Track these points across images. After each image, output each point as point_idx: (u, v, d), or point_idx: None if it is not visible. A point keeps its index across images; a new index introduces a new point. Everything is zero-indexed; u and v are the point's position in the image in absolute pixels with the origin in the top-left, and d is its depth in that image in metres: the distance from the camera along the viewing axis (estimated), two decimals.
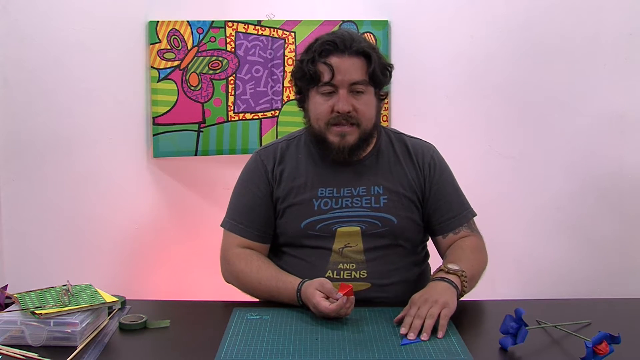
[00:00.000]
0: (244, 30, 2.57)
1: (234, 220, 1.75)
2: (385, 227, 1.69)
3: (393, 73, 1.74)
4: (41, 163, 2.52)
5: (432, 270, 1.83)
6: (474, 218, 1.79)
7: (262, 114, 2.62)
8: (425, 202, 1.75)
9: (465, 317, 1.53)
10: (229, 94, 2.59)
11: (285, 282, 1.62)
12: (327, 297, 1.50)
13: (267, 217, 1.74)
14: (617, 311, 1.63)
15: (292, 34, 2.60)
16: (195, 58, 2.55)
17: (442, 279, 1.54)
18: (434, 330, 1.42)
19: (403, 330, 1.42)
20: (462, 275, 1.56)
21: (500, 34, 2.64)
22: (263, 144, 1.92)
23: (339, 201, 1.70)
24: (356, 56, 1.64)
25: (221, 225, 1.78)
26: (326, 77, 1.64)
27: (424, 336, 1.40)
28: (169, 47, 2.53)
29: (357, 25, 2.60)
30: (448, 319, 1.44)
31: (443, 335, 1.41)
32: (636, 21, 2.63)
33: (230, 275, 1.73)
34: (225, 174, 2.45)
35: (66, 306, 1.41)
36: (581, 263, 2.73)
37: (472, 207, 1.80)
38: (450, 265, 1.58)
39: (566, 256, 2.73)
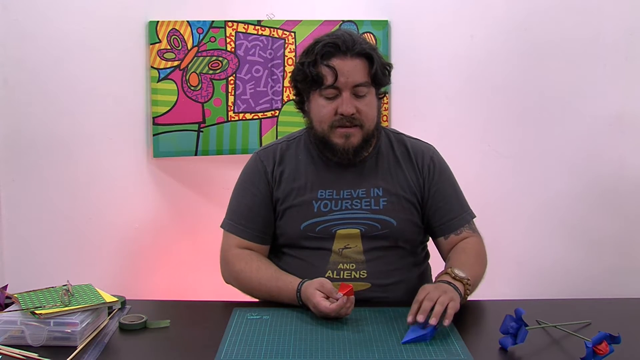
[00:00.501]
0: (244, 30, 2.57)
1: (234, 221, 1.75)
2: (385, 230, 1.69)
3: (393, 73, 1.74)
4: (41, 163, 2.52)
5: (432, 271, 1.83)
6: (474, 220, 1.79)
7: (262, 114, 2.62)
8: (425, 204, 1.75)
9: (465, 317, 1.53)
10: (229, 94, 2.59)
11: (285, 282, 1.62)
12: (327, 297, 1.50)
13: (267, 218, 1.74)
14: (617, 311, 1.63)
15: (292, 34, 2.60)
16: (195, 58, 2.55)
17: (449, 283, 1.53)
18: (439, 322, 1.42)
19: (410, 319, 1.41)
20: (467, 284, 1.55)
21: (500, 34, 2.64)
22: (263, 144, 1.92)
23: (338, 203, 1.70)
24: (358, 58, 1.64)
25: (221, 226, 1.77)
26: (329, 79, 1.63)
27: (433, 320, 1.39)
28: (169, 47, 2.53)
29: (357, 25, 2.60)
30: (455, 311, 1.44)
31: (449, 323, 1.41)
32: (636, 21, 2.63)
33: (230, 276, 1.73)
34: (225, 174, 2.45)
35: (66, 306, 1.41)
36: (581, 263, 2.72)
37: (471, 208, 1.79)
38: (457, 272, 1.56)
39: (566, 256, 2.73)
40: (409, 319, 1.42)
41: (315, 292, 1.51)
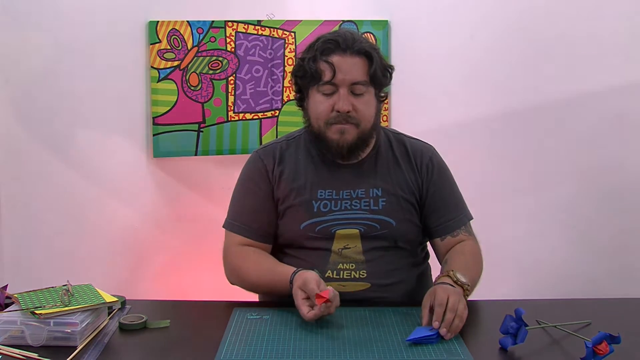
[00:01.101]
0: (244, 30, 2.57)
1: (236, 221, 1.74)
2: (384, 230, 1.68)
3: (393, 73, 1.74)
4: (41, 163, 2.52)
5: (432, 271, 1.83)
6: (471, 222, 1.78)
7: (262, 114, 2.62)
8: (423, 204, 1.74)
9: None
10: (229, 94, 2.59)
11: (280, 273, 1.61)
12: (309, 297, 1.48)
13: (269, 217, 1.73)
14: (617, 311, 1.63)
15: (292, 34, 2.60)
16: (195, 58, 2.55)
17: (451, 286, 1.51)
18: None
19: (436, 324, 1.40)
20: (467, 289, 1.54)
21: (500, 34, 2.64)
22: (262, 144, 1.91)
23: (338, 203, 1.69)
24: (357, 56, 1.64)
25: (223, 226, 1.76)
26: (327, 75, 1.63)
27: (449, 335, 1.40)
28: (169, 47, 2.53)
29: (357, 25, 2.60)
30: (464, 322, 1.44)
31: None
32: (636, 21, 2.63)
33: (232, 275, 1.72)
34: (225, 174, 2.45)
35: (66, 306, 1.41)
36: (581, 263, 2.72)
37: (469, 210, 1.78)
38: (459, 276, 1.55)
39: (566, 256, 2.73)
40: (435, 324, 1.40)
41: (298, 291, 1.50)
